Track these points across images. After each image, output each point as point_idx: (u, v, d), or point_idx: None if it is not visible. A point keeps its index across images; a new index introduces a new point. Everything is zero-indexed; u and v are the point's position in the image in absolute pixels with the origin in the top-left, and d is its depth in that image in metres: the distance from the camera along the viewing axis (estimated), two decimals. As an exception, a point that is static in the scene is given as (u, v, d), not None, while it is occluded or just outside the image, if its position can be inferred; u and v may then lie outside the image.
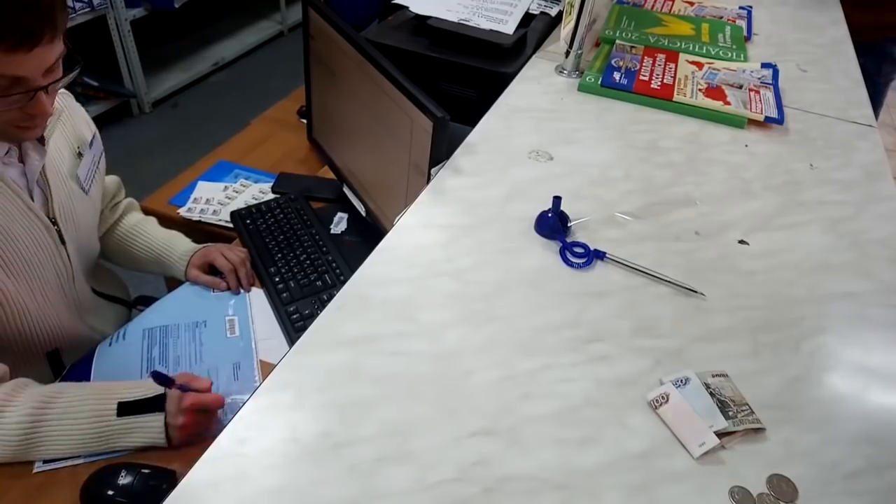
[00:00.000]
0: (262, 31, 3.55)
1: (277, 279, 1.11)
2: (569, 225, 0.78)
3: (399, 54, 1.16)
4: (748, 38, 1.30)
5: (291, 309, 1.06)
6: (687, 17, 1.36)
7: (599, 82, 1.08)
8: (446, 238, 0.75)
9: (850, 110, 1.09)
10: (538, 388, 0.60)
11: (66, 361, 0.99)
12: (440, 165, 0.87)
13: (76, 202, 0.95)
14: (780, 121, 1.01)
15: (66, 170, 0.94)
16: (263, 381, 0.58)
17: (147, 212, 1.22)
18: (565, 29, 1.09)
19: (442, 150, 0.87)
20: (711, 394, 0.59)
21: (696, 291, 0.71)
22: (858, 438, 0.58)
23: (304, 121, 1.43)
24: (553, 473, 0.53)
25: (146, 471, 0.80)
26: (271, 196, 1.35)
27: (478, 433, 0.55)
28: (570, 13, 1.07)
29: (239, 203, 1.34)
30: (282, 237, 1.19)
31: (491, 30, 1.17)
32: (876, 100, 1.46)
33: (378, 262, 0.72)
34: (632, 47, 1.20)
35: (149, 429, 0.82)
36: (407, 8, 1.24)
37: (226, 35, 3.46)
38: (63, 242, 0.92)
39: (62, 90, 0.91)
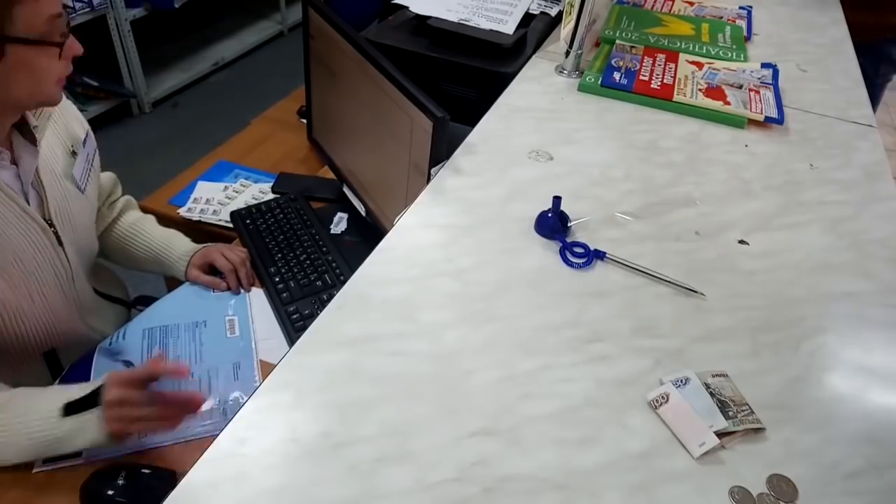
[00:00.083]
0: (262, 31, 3.55)
1: (277, 279, 1.11)
2: (569, 225, 0.78)
3: (399, 54, 1.16)
4: (748, 38, 1.30)
5: (291, 309, 1.06)
6: (687, 17, 1.36)
7: (599, 82, 1.08)
8: (446, 238, 0.75)
9: (850, 110, 1.09)
10: (538, 388, 0.60)
11: (64, 361, 0.98)
12: (440, 165, 0.87)
13: (72, 202, 0.94)
14: (780, 121, 1.01)
15: (60, 169, 0.93)
16: (263, 381, 0.58)
17: (147, 212, 1.21)
18: (565, 29, 1.09)
19: (442, 150, 0.87)
20: (711, 394, 0.59)
21: (696, 291, 0.71)
22: (858, 438, 0.58)
23: (304, 121, 1.43)
24: (553, 473, 0.53)
25: (146, 471, 0.80)
26: (271, 196, 1.35)
27: (478, 433, 0.55)
28: (570, 13, 1.07)
29: (239, 203, 1.34)
30: (282, 237, 1.19)
31: (491, 30, 1.17)
32: (873, 100, 1.46)
33: (378, 262, 0.72)
34: (632, 47, 1.20)
35: (88, 425, 0.78)
36: (407, 8, 1.24)
37: (226, 35, 3.45)
38: (61, 244, 0.92)
39: None
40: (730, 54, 1.20)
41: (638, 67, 1.13)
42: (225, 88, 3.17)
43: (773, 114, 1.02)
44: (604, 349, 0.64)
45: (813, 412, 0.60)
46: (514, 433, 0.56)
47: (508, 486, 0.52)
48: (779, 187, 0.89)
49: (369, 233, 1.22)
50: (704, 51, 1.21)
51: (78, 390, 0.80)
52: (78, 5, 2.45)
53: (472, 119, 0.98)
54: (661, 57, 1.17)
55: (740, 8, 1.42)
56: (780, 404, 0.60)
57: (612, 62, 1.14)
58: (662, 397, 0.59)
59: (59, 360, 0.98)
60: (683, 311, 0.69)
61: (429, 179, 0.86)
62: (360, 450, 0.53)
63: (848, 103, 1.11)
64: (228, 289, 1.09)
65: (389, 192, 1.09)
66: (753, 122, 1.02)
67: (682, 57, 1.17)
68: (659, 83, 1.08)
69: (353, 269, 0.70)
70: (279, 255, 1.15)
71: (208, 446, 0.52)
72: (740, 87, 1.09)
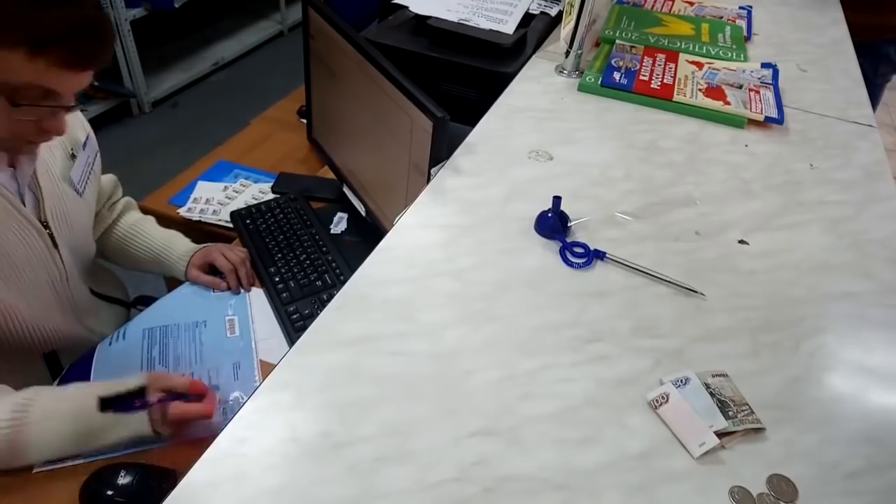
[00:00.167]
0: (262, 31, 3.55)
1: (277, 279, 1.11)
2: (569, 225, 0.78)
3: (399, 54, 1.16)
4: (748, 38, 1.30)
5: (291, 309, 1.06)
6: (687, 17, 1.36)
7: (599, 82, 1.08)
8: (446, 238, 0.75)
9: (850, 110, 1.09)
10: (538, 388, 0.60)
11: (65, 363, 0.98)
12: (440, 165, 0.87)
13: (69, 204, 0.94)
14: (780, 121, 1.01)
15: (58, 172, 0.93)
16: (263, 381, 0.58)
17: (147, 212, 1.21)
18: (565, 29, 1.09)
19: (442, 150, 0.87)
20: (711, 394, 0.59)
21: (696, 291, 0.71)
22: (858, 438, 0.58)
23: (304, 121, 1.43)
24: (553, 473, 0.53)
25: (146, 471, 0.80)
26: (271, 196, 1.35)
27: (478, 433, 0.55)
28: (570, 13, 1.07)
29: (239, 203, 1.34)
30: (282, 237, 1.19)
31: (491, 30, 1.17)
32: (872, 101, 1.46)
33: (378, 262, 0.72)
34: (632, 47, 1.20)
35: (133, 420, 0.81)
36: (407, 8, 1.24)
37: (226, 35, 3.45)
38: (56, 246, 0.91)
39: None
40: (730, 54, 1.20)
41: (638, 67, 1.13)
42: (225, 88, 3.17)
43: (773, 114, 1.02)
44: (604, 349, 0.64)
45: (813, 412, 0.60)
46: (513, 433, 0.56)
47: (508, 486, 0.52)
48: (779, 187, 0.89)
49: (369, 233, 1.22)
50: (704, 51, 1.21)
51: (101, 388, 0.83)
52: (78, 5, 2.45)
53: (472, 119, 0.98)
54: (661, 57, 1.17)
55: (740, 8, 1.42)
56: (780, 404, 0.60)
57: (612, 62, 1.14)
58: (662, 397, 0.59)
59: (59, 361, 0.98)
60: (683, 311, 0.69)
61: (429, 179, 0.86)
62: (360, 450, 0.53)
63: (848, 103, 1.11)
64: (228, 289, 1.09)
65: (389, 192, 1.09)
66: (753, 122, 1.02)
67: (682, 57, 1.17)
68: (659, 83, 1.08)
69: (353, 269, 0.70)
70: (279, 255, 1.15)
71: (208, 446, 0.52)
72: (740, 86, 1.09)
